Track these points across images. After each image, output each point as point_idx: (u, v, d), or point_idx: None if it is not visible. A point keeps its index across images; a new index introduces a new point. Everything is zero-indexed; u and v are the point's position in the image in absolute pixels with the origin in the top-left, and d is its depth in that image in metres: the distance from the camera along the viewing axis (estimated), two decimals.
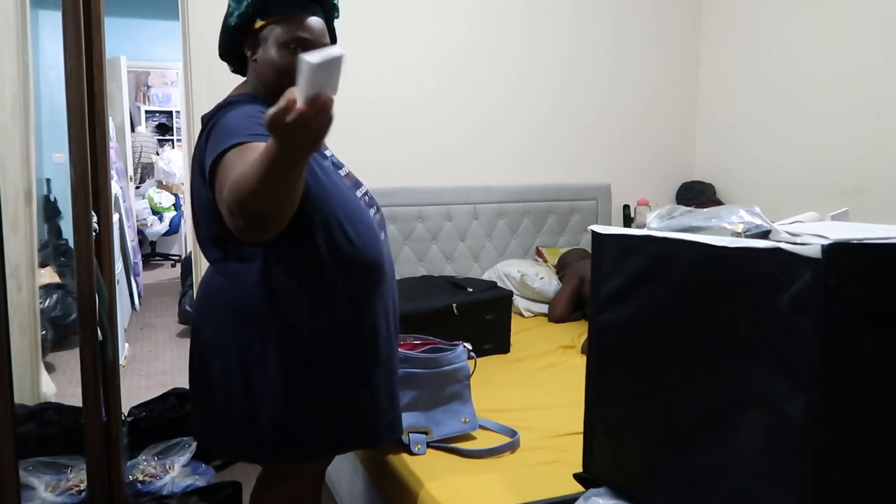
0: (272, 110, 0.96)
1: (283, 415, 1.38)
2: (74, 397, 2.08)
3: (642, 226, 1.34)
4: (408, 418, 1.71)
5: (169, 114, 7.46)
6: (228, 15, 1.46)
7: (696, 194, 3.72)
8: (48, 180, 5.22)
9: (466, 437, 1.78)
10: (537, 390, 2.17)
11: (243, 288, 1.38)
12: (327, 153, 1.50)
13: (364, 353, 1.45)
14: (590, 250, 2.02)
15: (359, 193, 1.50)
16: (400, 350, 1.73)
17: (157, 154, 7.09)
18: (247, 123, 1.32)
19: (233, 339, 1.39)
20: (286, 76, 1.36)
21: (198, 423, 1.50)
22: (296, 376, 1.38)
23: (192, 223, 1.53)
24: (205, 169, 1.34)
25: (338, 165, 1.52)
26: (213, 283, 1.44)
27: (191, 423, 1.54)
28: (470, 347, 1.83)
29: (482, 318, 2.48)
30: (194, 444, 2.33)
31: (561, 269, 3.23)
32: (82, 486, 2.07)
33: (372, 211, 1.50)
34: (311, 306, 1.38)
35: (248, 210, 1.14)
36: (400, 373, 1.69)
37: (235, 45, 1.49)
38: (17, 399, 1.79)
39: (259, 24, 1.42)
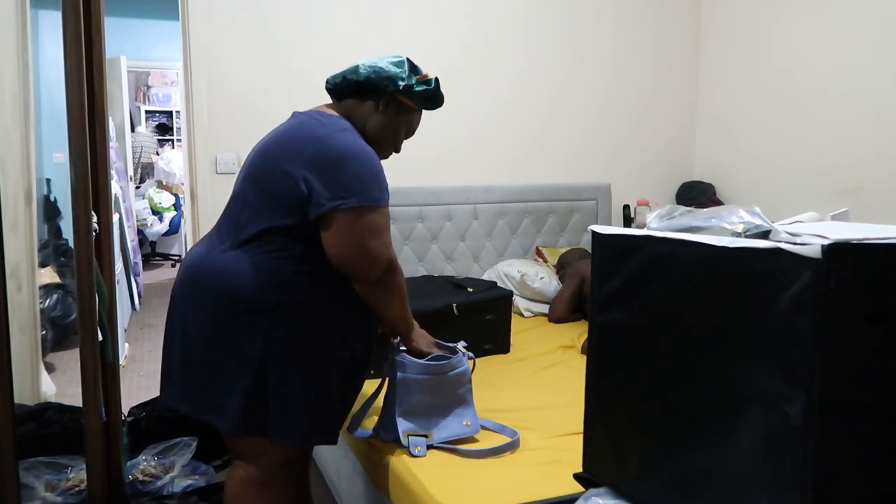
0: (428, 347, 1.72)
1: (266, 393, 1.48)
2: (74, 397, 2.08)
3: (642, 226, 1.34)
4: (408, 423, 1.71)
5: (169, 114, 7.45)
6: (397, 78, 1.64)
7: (696, 194, 3.72)
8: (48, 180, 5.22)
9: (467, 437, 1.78)
10: (537, 390, 2.17)
11: (279, 275, 1.47)
12: None
13: (366, 356, 1.63)
14: (590, 250, 2.02)
15: None
16: (403, 356, 1.73)
17: (157, 154, 7.09)
18: (383, 185, 1.52)
19: (232, 320, 1.48)
20: (392, 145, 1.69)
21: (173, 379, 1.58)
22: (296, 366, 1.49)
23: (243, 200, 1.54)
24: (328, 175, 1.44)
25: None
26: (236, 265, 1.48)
27: (163, 379, 1.61)
28: (466, 346, 1.82)
29: (482, 318, 2.48)
30: (194, 444, 2.32)
31: (561, 269, 3.23)
32: (82, 486, 2.06)
33: None
34: (332, 307, 1.54)
35: (387, 303, 1.58)
36: (401, 377, 1.70)
37: (372, 87, 1.61)
38: (17, 399, 1.79)
39: (408, 101, 1.66)
